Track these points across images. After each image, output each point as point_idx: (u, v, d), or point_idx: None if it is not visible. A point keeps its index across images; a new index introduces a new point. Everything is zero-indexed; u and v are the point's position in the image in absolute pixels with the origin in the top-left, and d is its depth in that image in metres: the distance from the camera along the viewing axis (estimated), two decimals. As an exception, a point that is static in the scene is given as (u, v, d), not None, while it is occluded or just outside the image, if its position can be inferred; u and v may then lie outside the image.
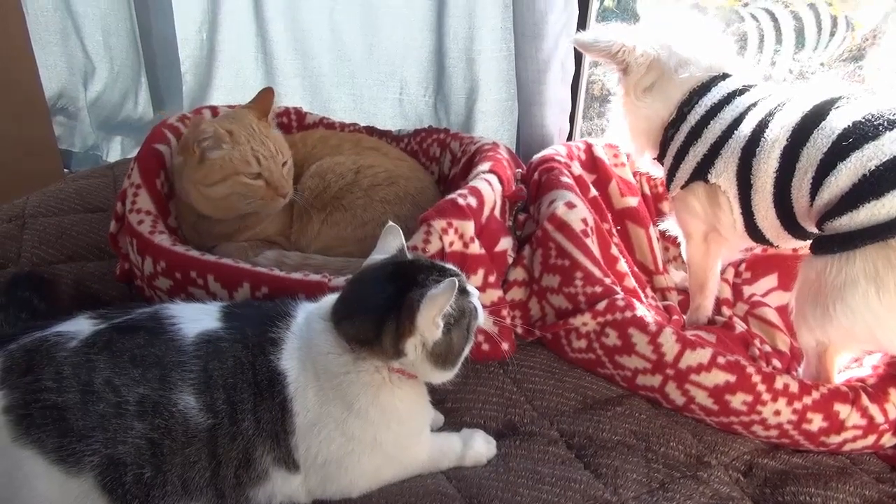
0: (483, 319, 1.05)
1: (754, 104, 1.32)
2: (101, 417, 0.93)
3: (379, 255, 1.07)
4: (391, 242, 1.07)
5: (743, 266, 1.65)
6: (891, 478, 1.17)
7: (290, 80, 2.14)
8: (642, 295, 1.47)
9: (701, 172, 1.35)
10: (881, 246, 1.09)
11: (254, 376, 0.99)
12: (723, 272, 1.60)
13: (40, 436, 0.92)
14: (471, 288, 1.04)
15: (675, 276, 1.64)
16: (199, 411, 0.96)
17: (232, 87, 2.15)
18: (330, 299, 1.05)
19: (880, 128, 1.12)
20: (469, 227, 1.32)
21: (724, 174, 1.31)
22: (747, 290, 1.62)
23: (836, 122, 1.17)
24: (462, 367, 1.03)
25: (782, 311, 1.52)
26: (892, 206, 1.08)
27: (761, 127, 1.27)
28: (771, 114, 1.27)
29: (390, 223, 1.10)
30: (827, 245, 1.16)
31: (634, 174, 1.73)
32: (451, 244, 1.30)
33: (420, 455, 1.10)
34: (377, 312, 0.98)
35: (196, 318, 1.04)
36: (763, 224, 1.32)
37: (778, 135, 1.23)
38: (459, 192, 1.36)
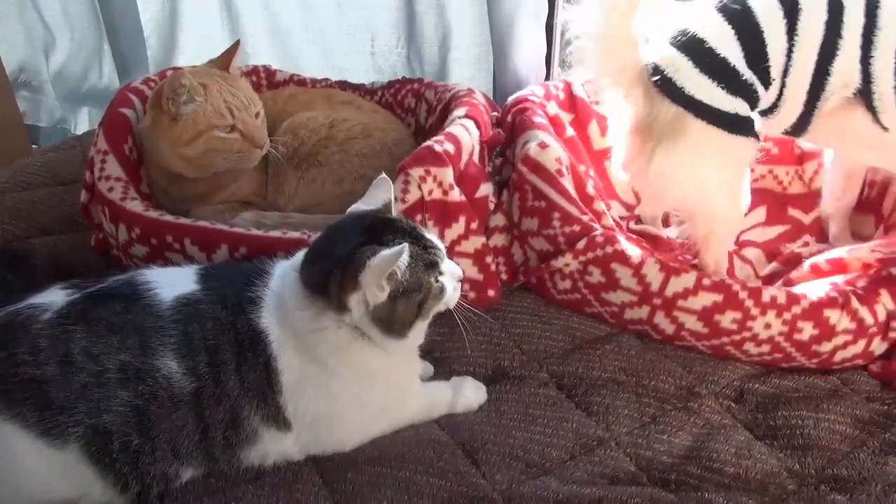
0: (453, 304, 1.01)
1: None
2: (83, 388, 0.92)
3: (364, 205, 1.03)
4: (380, 195, 1.03)
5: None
6: (881, 396, 1.18)
7: (257, 38, 2.08)
8: (619, 233, 1.45)
9: None
10: None
11: (235, 336, 0.98)
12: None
13: (21, 410, 0.91)
14: (447, 268, 1.00)
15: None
16: (182, 375, 0.95)
17: (198, 49, 2.09)
18: (304, 252, 1.03)
19: None
20: (448, 174, 1.29)
21: None
22: None
23: None
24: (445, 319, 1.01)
25: (767, 246, 1.52)
26: None
27: None
28: None
29: (383, 175, 1.06)
30: None
31: None
32: (431, 192, 1.27)
33: (409, 407, 1.10)
34: (332, 260, 0.95)
35: (173, 282, 1.02)
36: None
37: None
38: (436, 138, 1.33)
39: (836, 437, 1.09)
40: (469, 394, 1.14)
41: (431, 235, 1.00)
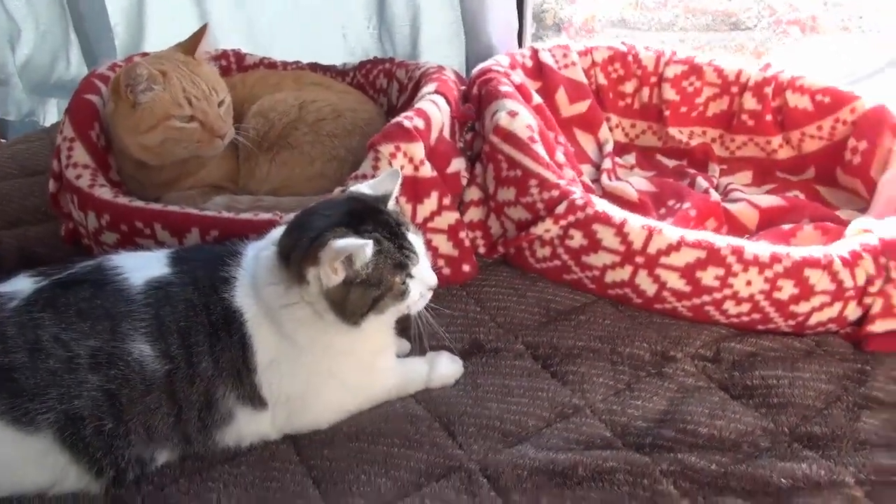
0: (416, 309, 1.01)
1: None
2: (53, 374, 0.91)
3: (367, 189, 1.04)
4: (383, 185, 1.04)
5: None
6: (854, 356, 1.19)
7: (227, 22, 2.05)
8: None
9: None
10: None
11: (208, 317, 0.98)
12: (707, 170, 1.66)
13: None
14: (420, 273, 0.99)
15: None
16: (154, 358, 0.95)
17: (166, 36, 2.04)
18: (280, 230, 1.03)
19: None
20: (418, 150, 1.28)
21: None
22: (724, 180, 1.65)
23: None
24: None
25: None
26: None
27: None
28: None
29: (395, 168, 1.08)
30: None
31: (588, 70, 1.71)
32: (401, 168, 1.26)
33: (385, 384, 1.10)
34: (307, 231, 0.95)
35: (143, 267, 1.01)
36: None
37: None
38: (405, 114, 1.32)
39: (811, 394, 1.10)
40: (445, 368, 1.14)
41: (414, 238, 1.00)
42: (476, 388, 1.12)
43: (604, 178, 1.58)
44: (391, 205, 1.03)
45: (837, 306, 1.21)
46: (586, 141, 1.67)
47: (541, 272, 1.35)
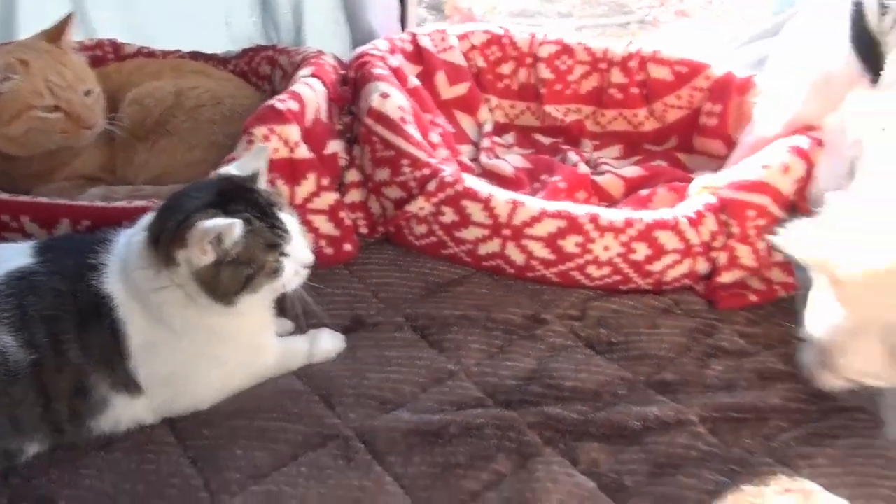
0: (291, 287, 1.02)
1: None
2: None
3: (235, 169, 1.03)
4: (251, 164, 1.03)
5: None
6: (707, 314, 1.29)
7: (104, 11, 1.98)
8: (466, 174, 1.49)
9: None
10: None
11: (75, 305, 0.97)
12: (580, 145, 1.74)
13: None
14: (294, 252, 0.99)
15: None
16: (18, 349, 0.93)
17: (39, 27, 1.98)
18: (152, 215, 1.02)
19: None
20: (292, 132, 1.30)
21: None
22: (595, 155, 1.74)
23: None
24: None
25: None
26: None
27: None
28: None
29: (261, 145, 1.07)
30: None
31: (467, 53, 1.77)
32: (276, 151, 1.28)
33: (265, 362, 1.11)
34: (176, 213, 0.96)
35: (4, 258, 0.99)
36: None
37: None
38: (278, 97, 1.34)
39: (666, 346, 1.19)
40: (326, 344, 1.16)
41: (287, 216, 1.00)
42: (356, 361, 1.14)
43: (482, 156, 1.64)
44: (263, 184, 1.05)
45: (688, 262, 1.30)
46: (466, 122, 1.73)
47: (421, 249, 1.39)
